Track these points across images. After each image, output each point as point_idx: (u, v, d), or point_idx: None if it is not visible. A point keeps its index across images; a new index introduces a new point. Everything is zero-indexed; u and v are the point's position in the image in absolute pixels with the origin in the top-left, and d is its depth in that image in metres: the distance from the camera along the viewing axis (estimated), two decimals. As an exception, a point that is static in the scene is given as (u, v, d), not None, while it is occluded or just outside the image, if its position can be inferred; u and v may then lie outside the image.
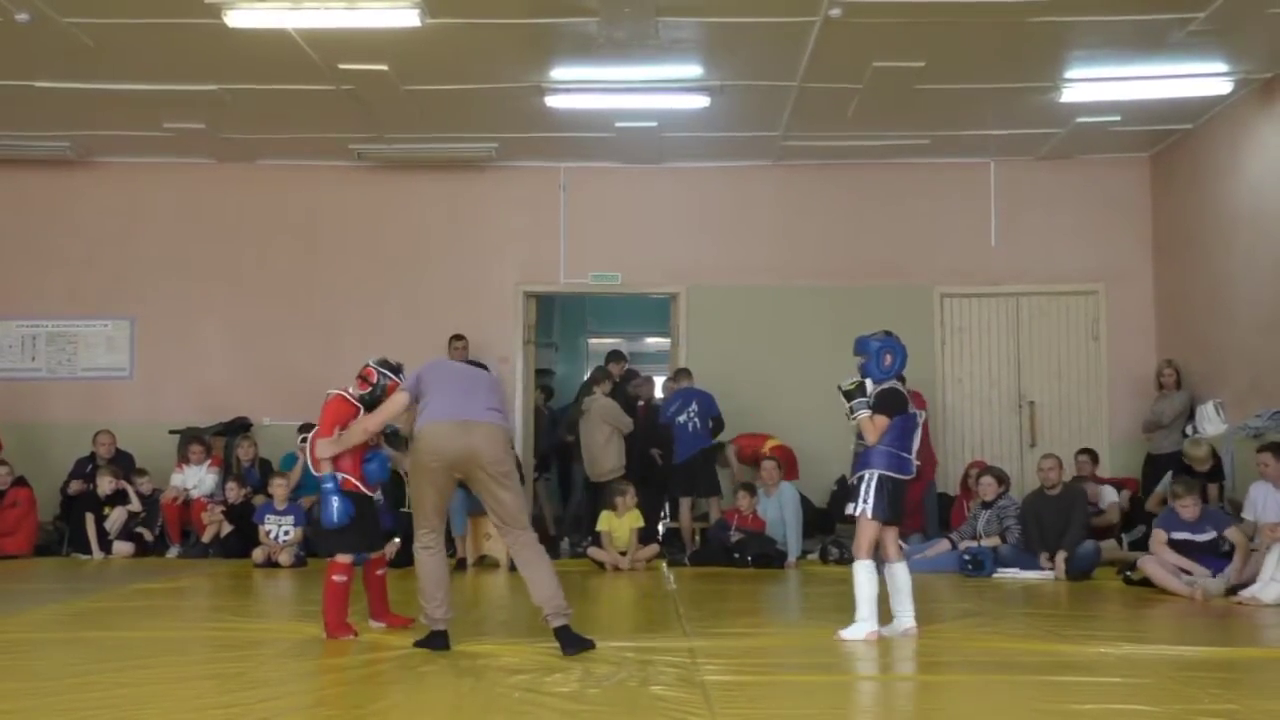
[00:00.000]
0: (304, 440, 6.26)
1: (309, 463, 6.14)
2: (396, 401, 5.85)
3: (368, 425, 5.90)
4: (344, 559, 6.01)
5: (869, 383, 6.19)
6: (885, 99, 9.67)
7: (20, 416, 11.32)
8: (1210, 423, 9.72)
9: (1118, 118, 10.31)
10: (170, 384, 11.68)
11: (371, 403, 6.02)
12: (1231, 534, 7.96)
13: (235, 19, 7.79)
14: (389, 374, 6.09)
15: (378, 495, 6.24)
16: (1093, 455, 10.50)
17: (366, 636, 6.05)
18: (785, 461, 10.43)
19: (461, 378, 5.89)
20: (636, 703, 4.57)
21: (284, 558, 9.59)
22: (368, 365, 6.13)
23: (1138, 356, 11.35)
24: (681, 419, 10.46)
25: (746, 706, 4.49)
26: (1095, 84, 9.43)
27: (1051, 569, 8.78)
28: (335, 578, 5.98)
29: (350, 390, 6.09)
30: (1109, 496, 10.08)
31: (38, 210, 11.80)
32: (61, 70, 9.09)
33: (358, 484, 6.00)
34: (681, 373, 10.96)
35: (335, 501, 5.84)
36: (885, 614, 6.15)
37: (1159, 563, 7.98)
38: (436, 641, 5.65)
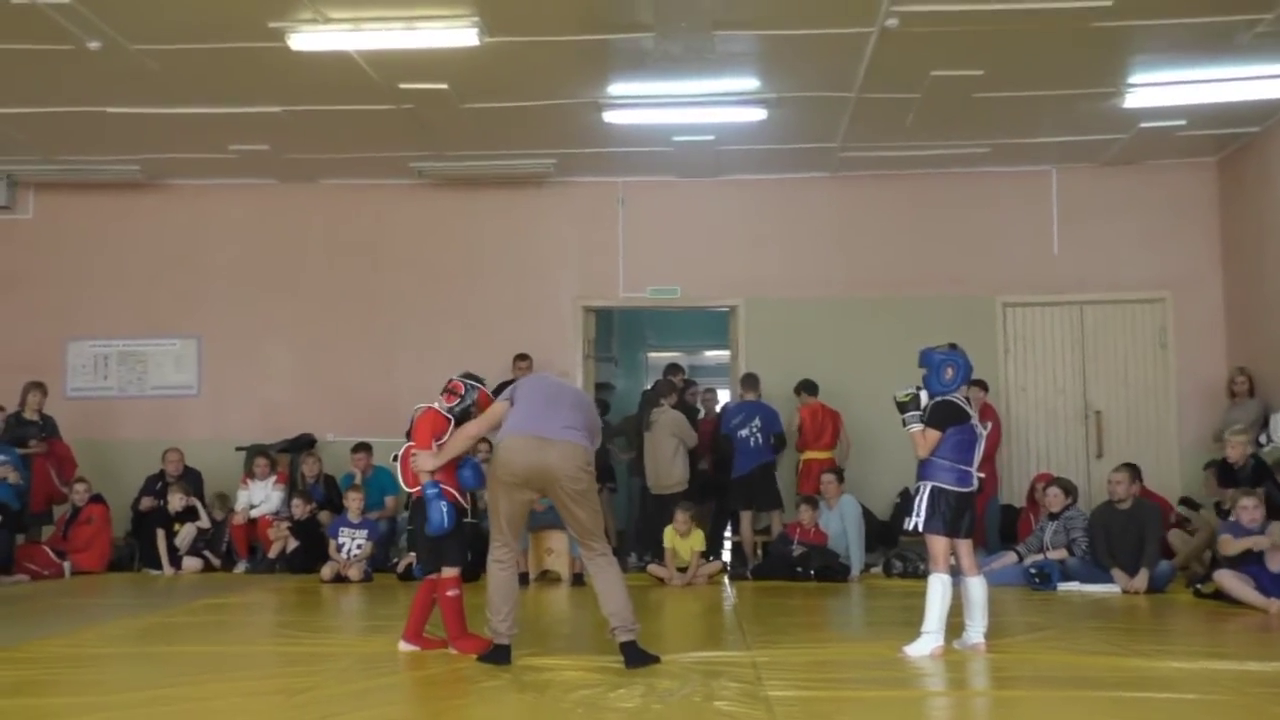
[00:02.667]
0: (395, 457, 6.29)
1: (402, 477, 6.19)
2: (495, 410, 5.90)
3: (469, 431, 5.97)
4: (451, 572, 6.05)
5: (924, 394, 6.15)
6: (944, 108, 9.60)
7: (93, 434, 11.56)
8: (1285, 431, 9.49)
9: (1183, 122, 10.12)
10: (236, 401, 11.88)
11: (461, 415, 6.07)
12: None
13: (298, 42, 7.95)
14: (476, 385, 6.14)
15: (469, 517, 6.25)
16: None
17: (429, 652, 6.07)
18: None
19: (547, 394, 5.89)
20: (700, 718, 4.54)
21: (353, 573, 9.68)
22: (453, 379, 6.18)
23: (1207, 364, 11.13)
24: (744, 433, 10.39)
25: (812, 722, 4.44)
26: (1160, 88, 9.27)
27: (1119, 583, 8.60)
28: (449, 593, 6.02)
29: (440, 403, 6.14)
30: None
31: (108, 232, 12.09)
32: (131, 96, 9.32)
33: (455, 495, 6.04)
34: (748, 380, 10.85)
35: (442, 505, 5.88)
36: (956, 629, 6.06)
37: (1234, 574, 7.78)
38: (499, 656, 5.67)
